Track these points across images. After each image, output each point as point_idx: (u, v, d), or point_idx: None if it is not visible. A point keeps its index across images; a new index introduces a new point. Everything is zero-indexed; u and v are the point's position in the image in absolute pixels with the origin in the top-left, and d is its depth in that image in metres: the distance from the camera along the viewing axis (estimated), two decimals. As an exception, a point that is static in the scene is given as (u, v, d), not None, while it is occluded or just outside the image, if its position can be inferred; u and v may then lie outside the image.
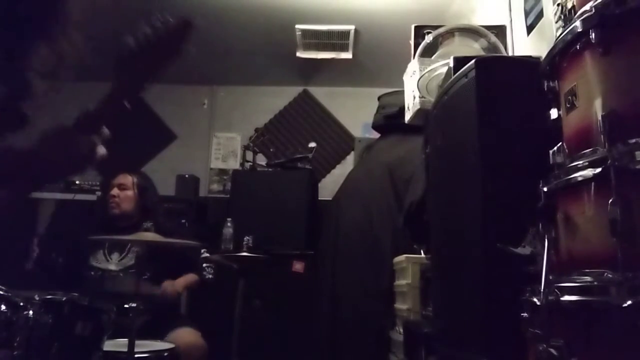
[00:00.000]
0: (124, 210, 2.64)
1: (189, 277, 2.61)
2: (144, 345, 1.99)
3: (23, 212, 3.73)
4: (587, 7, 0.89)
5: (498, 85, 1.38)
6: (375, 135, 3.66)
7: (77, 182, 4.18)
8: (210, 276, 2.69)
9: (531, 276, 0.97)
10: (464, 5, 3.18)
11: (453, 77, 1.56)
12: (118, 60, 0.91)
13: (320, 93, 4.79)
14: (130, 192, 2.65)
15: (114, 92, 0.94)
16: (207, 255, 2.72)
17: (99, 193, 3.90)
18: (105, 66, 0.90)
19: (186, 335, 2.38)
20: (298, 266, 3.48)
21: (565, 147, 0.98)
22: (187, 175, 4.22)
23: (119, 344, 1.88)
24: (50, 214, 3.79)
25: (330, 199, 3.66)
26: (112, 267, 2.57)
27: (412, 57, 2.32)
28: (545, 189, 0.96)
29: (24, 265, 2.64)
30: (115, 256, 2.59)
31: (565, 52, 0.97)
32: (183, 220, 3.77)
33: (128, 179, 2.69)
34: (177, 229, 3.01)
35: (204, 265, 2.69)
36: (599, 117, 0.85)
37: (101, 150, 0.98)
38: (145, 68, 0.91)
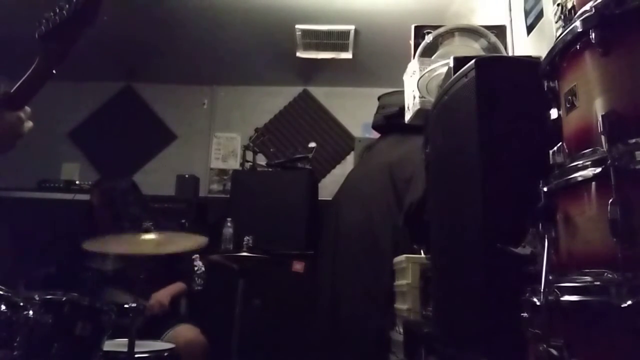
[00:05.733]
0: (103, 225, 2.63)
1: (176, 287, 2.61)
2: (144, 345, 1.99)
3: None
4: (587, 7, 0.89)
5: (498, 85, 1.38)
6: (375, 135, 3.66)
7: (77, 182, 4.18)
8: (199, 287, 2.67)
9: (531, 276, 0.97)
10: (464, 5, 3.18)
11: (453, 77, 1.56)
12: (42, 35, 1.01)
13: (320, 93, 4.80)
14: (102, 211, 2.64)
15: (43, 63, 1.03)
16: (200, 262, 2.69)
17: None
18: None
19: (186, 332, 2.38)
20: (298, 266, 3.48)
21: (565, 147, 0.98)
22: (187, 175, 4.22)
23: (119, 344, 1.88)
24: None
25: (330, 199, 3.66)
26: (109, 267, 2.57)
27: (412, 57, 2.32)
28: (545, 189, 0.96)
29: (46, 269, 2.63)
30: (111, 256, 2.59)
31: (565, 52, 0.97)
32: (183, 220, 3.77)
33: (93, 199, 2.68)
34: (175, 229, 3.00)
35: (195, 275, 2.66)
36: (599, 117, 0.85)
37: (28, 124, 1.08)
38: (66, 38, 1.02)
